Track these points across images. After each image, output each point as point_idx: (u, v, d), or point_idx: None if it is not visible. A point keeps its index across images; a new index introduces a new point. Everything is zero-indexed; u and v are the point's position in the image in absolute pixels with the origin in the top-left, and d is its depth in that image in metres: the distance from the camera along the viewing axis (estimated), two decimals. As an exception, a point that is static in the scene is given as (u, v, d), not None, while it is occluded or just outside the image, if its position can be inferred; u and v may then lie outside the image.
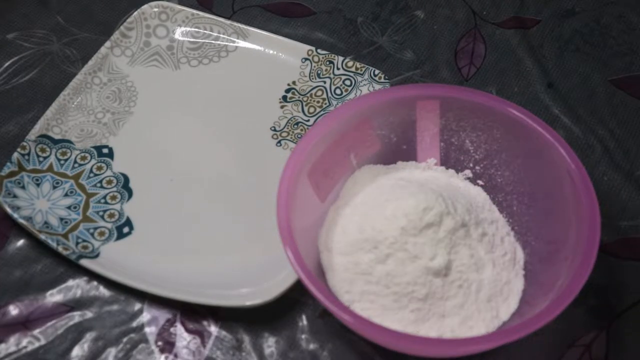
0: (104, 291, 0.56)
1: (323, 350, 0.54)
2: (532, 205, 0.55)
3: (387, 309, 0.50)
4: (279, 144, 0.64)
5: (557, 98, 0.67)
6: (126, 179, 0.61)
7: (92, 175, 0.61)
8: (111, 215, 0.59)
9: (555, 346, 0.53)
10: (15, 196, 0.58)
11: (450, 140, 0.57)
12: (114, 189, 0.61)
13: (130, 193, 0.60)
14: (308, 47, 0.67)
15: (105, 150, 0.63)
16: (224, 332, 0.54)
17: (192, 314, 0.55)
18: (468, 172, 0.57)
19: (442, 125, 0.57)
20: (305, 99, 0.66)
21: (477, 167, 0.57)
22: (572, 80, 0.68)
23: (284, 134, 0.64)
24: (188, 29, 0.70)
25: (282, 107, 0.66)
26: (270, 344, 0.54)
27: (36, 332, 0.54)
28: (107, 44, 0.67)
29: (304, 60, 0.67)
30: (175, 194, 0.61)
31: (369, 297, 0.50)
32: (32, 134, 0.61)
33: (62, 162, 0.61)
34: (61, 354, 0.53)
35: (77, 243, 0.57)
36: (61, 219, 0.58)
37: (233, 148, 0.63)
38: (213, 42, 0.69)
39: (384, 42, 0.71)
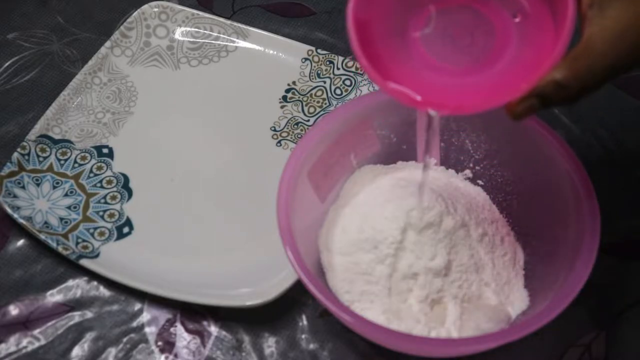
0: (104, 291, 0.56)
1: (323, 350, 0.54)
2: (532, 205, 0.55)
3: (387, 309, 0.50)
4: (279, 144, 0.64)
5: (557, 98, 0.67)
6: (126, 179, 0.61)
7: (92, 175, 0.61)
8: (111, 215, 0.59)
9: (555, 346, 0.53)
10: (15, 196, 0.58)
11: (450, 140, 0.57)
12: (114, 189, 0.61)
13: (130, 193, 0.60)
14: (308, 47, 0.67)
15: (105, 150, 0.63)
16: (224, 332, 0.54)
17: (192, 314, 0.55)
18: (468, 172, 0.57)
19: (442, 125, 0.57)
20: (305, 99, 0.66)
21: (477, 167, 0.57)
22: (572, 80, 0.68)
23: (284, 134, 0.64)
24: (188, 29, 0.70)
25: (282, 107, 0.66)
26: (270, 344, 0.54)
27: (36, 332, 0.54)
28: (107, 44, 0.67)
29: (304, 60, 0.67)
30: (175, 194, 0.61)
31: (369, 297, 0.50)
32: (32, 134, 0.61)
33: (62, 162, 0.61)
34: (61, 354, 0.53)
35: (77, 243, 0.57)
36: (61, 219, 0.58)
37: (233, 148, 0.63)
38: (213, 42, 0.69)
39: (384, 42, 0.71)
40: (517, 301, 0.52)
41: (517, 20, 0.44)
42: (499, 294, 0.51)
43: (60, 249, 0.56)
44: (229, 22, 0.69)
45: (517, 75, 0.42)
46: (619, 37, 0.41)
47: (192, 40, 0.69)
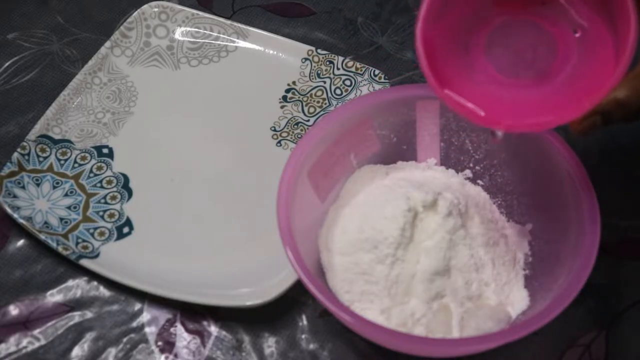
0: (104, 291, 0.56)
1: (323, 350, 0.54)
2: (532, 205, 0.55)
3: (387, 309, 0.50)
4: (279, 144, 0.64)
5: (557, 98, 0.67)
6: (126, 179, 0.61)
7: (92, 175, 0.61)
8: (111, 215, 0.59)
9: (555, 346, 0.53)
10: (15, 196, 0.58)
11: (450, 140, 0.57)
12: (114, 189, 0.61)
13: (130, 193, 0.60)
14: (308, 47, 0.67)
15: (105, 150, 0.63)
16: (224, 332, 0.54)
17: (192, 314, 0.55)
18: (468, 172, 0.57)
19: (442, 125, 0.57)
20: (305, 99, 0.66)
21: (477, 167, 0.57)
22: (572, 80, 0.68)
23: (284, 134, 0.64)
24: (188, 29, 0.70)
25: (282, 107, 0.66)
26: (270, 344, 0.54)
27: (36, 332, 0.54)
28: (107, 44, 0.67)
29: (304, 60, 0.67)
30: (175, 194, 0.61)
31: (369, 297, 0.50)
32: (32, 134, 0.61)
33: (62, 162, 0.61)
34: (61, 354, 0.53)
35: (77, 243, 0.57)
36: (61, 219, 0.58)
37: (233, 148, 0.63)
38: (213, 42, 0.69)
39: (384, 42, 0.71)
40: (517, 301, 0.52)
41: (577, 35, 0.44)
42: (499, 294, 0.51)
43: (60, 249, 0.56)
44: (229, 22, 0.69)
45: (578, 92, 0.43)
46: None
47: (192, 40, 0.69)
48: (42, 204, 0.59)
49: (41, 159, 0.61)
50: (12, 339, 0.54)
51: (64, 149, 0.62)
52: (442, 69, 0.45)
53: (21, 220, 0.57)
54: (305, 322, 0.55)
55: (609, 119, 0.44)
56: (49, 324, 0.55)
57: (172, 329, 0.54)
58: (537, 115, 0.45)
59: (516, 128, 0.45)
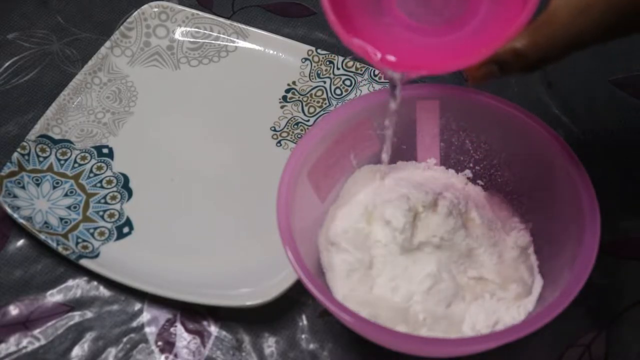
0: (104, 291, 0.56)
1: (323, 350, 0.54)
2: (532, 205, 0.55)
3: (387, 309, 0.50)
4: (279, 144, 0.64)
5: (557, 98, 0.67)
6: (126, 179, 0.61)
7: (92, 175, 0.61)
8: (111, 215, 0.59)
9: (555, 346, 0.53)
10: (15, 196, 0.58)
11: (450, 140, 0.57)
12: (114, 189, 0.61)
13: (130, 193, 0.61)
14: (308, 47, 0.68)
15: (105, 150, 0.63)
16: (224, 332, 0.54)
17: (192, 314, 0.55)
18: (468, 172, 0.57)
19: (442, 125, 0.57)
20: (305, 99, 0.66)
21: (477, 167, 0.57)
22: (572, 80, 0.68)
23: (284, 134, 0.64)
24: (188, 29, 0.70)
25: (282, 107, 0.66)
26: (270, 344, 0.54)
27: (36, 332, 0.54)
28: (107, 44, 0.68)
29: (304, 60, 0.67)
30: (175, 194, 0.61)
31: (369, 297, 0.50)
32: (32, 134, 0.61)
33: (62, 162, 0.61)
34: (61, 354, 0.53)
35: (77, 243, 0.57)
36: (61, 219, 0.58)
37: (233, 148, 0.63)
38: (213, 42, 0.69)
39: (384, 42, 0.71)
40: (517, 301, 0.52)
41: None
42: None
43: (60, 249, 0.56)
44: (229, 22, 0.69)
45: (482, 40, 0.43)
46: (583, 10, 0.42)
47: (192, 40, 0.69)
48: (42, 204, 0.59)
49: (41, 159, 0.61)
50: (12, 339, 0.54)
51: (64, 149, 0.62)
52: (349, 13, 0.44)
53: (21, 220, 0.57)
54: (305, 322, 0.55)
55: (506, 68, 0.43)
56: (49, 324, 0.55)
57: (172, 329, 0.54)
58: (434, 60, 0.44)
59: (402, 68, 0.44)
